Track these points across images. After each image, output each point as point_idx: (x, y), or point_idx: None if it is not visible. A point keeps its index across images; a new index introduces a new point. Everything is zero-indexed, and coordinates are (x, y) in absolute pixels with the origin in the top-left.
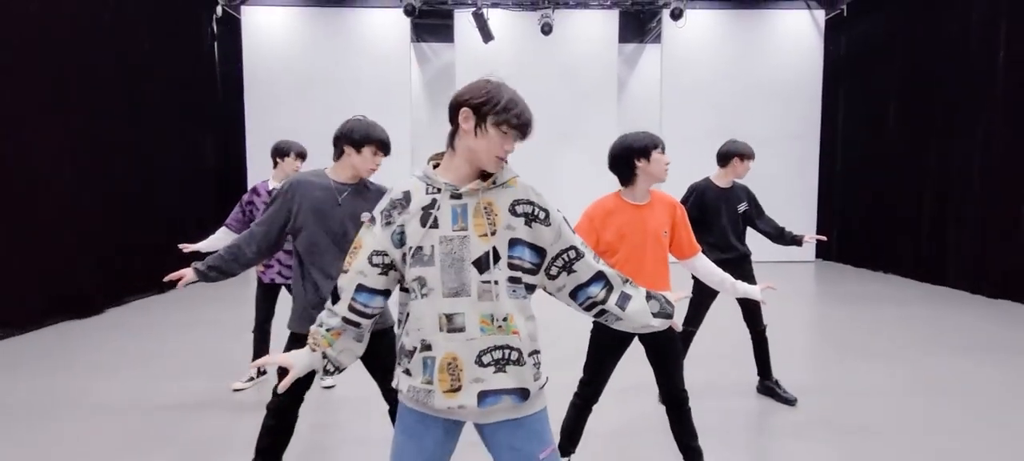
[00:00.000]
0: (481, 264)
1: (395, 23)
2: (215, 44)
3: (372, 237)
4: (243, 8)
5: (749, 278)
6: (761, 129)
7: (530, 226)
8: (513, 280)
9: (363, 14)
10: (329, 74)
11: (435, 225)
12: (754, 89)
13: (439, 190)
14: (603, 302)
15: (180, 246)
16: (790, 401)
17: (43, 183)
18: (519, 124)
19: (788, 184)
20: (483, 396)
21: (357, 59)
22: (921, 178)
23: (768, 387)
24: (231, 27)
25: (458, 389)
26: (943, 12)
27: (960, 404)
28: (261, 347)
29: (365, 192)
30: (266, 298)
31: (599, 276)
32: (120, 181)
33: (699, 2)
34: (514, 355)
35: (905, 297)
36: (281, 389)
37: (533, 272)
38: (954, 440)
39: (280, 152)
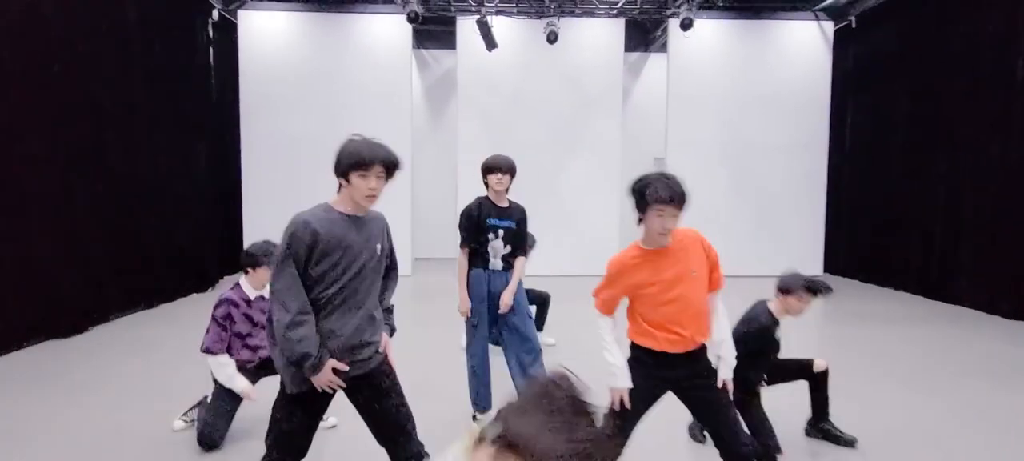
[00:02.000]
0: None
1: (396, 29)
2: (210, 49)
3: None
4: (239, 12)
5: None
6: (768, 140)
7: None
8: None
9: (362, 19)
10: (327, 80)
11: None
12: (761, 100)
13: None
14: None
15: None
16: (850, 442)
17: (28, 196)
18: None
19: (795, 195)
20: None
21: (356, 65)
22: (931, 192)
23: (822, 429)
24: (227, 31)
25: None
26: (951, 25)
27: (996, 432)
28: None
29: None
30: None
31: None
32: (108, 191)
33: (706, 12)
34: None
35: (918, 316)
36: None
37: None
38: None
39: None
